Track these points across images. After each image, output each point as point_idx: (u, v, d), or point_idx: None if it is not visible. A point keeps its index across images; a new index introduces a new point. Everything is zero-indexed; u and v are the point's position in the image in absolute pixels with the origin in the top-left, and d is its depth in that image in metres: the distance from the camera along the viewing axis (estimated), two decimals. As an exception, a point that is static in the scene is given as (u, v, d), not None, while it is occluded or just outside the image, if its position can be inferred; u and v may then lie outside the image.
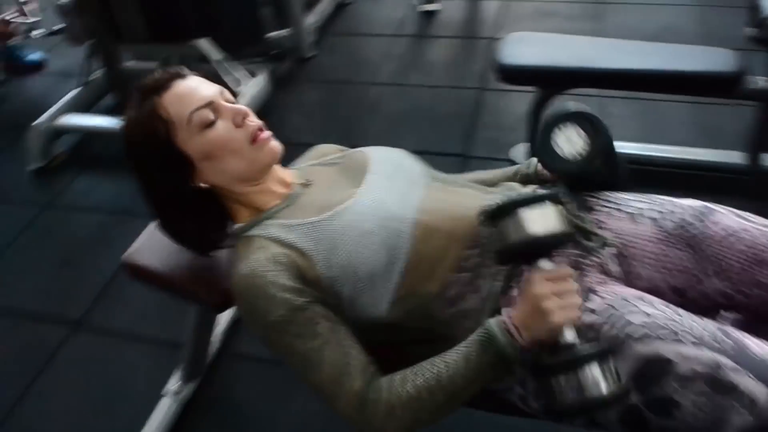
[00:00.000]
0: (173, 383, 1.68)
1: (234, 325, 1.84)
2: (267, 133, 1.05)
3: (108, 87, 2.70)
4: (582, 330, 0.84)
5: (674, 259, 1.02)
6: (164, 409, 1.63)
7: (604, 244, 0.99)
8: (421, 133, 2.54)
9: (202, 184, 1.05)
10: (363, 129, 2.63)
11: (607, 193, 1.12)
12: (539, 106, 2.16)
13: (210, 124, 1.01)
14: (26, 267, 2.23)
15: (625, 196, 1.11)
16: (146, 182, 1.06)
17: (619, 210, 1.08)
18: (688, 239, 1.02)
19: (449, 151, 2.42)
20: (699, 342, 0.82)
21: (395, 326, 0.98)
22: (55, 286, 2.13)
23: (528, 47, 2.03)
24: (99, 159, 2.70)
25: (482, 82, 2.72)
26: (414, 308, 0.97)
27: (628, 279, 1.02)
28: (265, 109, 2.70)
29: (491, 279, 0.95)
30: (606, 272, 0.99)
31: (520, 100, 2.31)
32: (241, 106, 1.05)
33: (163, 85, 1.03)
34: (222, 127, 1.01)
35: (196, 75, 1.07)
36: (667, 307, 0.89)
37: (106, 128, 2.67)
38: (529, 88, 2.18)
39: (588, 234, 1.00)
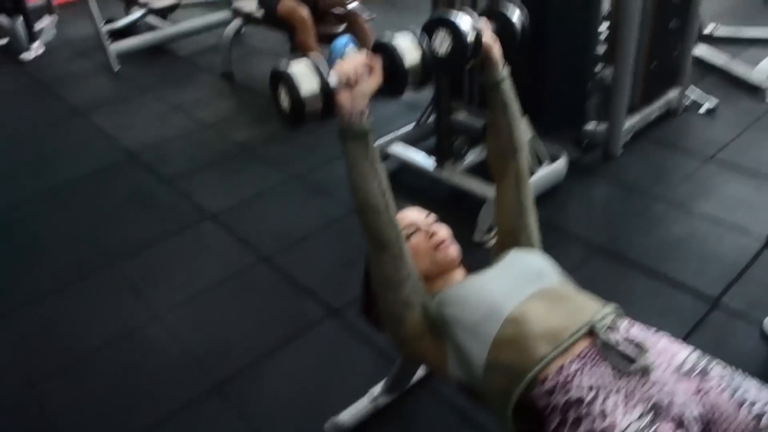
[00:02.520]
0: (377, 389, 2.09)
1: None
2: (448, 243, 1.53)
3: (435, 131, 3.21)
4: None
5: None
6: (360, 405, 2.05)
7: (646, 370, 1.16)
8: (683, 264, 2.57)
9: None
10: (632, 238, 2.74)
11: (738, 376, 1.20)
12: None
13: (410, 237, 1.53)
14: (322, 253, 2.85)
15: (748, 387, 1.18)
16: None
17: (732, 393, 1.16)
18: None
19: (702, 290, 2.42)
20: None
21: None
22: (334, 277, 2.68)
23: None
24: (405, 188, 3.21)
25: (774, 235, 2.62)
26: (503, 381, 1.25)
27: None
28: (551, 191, 2.97)
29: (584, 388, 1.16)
30: (681, 427, 1.10)
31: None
32: (434, 224, 1.56)
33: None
34: (416, 239, 1.53)
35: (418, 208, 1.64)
36: None
37: (419, 164, 3.21)
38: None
39: (627, 359, 1.17)
